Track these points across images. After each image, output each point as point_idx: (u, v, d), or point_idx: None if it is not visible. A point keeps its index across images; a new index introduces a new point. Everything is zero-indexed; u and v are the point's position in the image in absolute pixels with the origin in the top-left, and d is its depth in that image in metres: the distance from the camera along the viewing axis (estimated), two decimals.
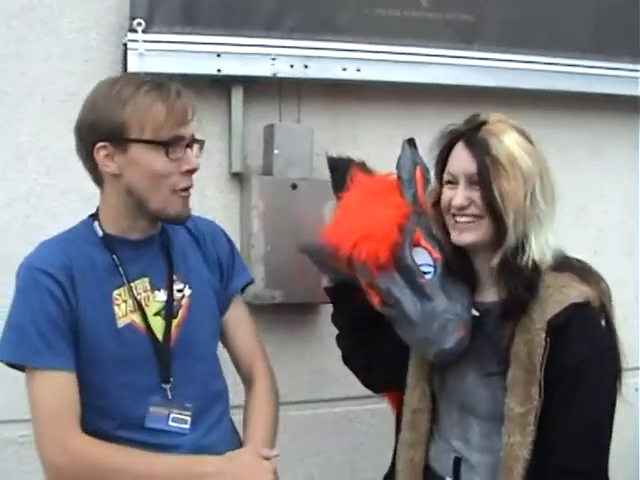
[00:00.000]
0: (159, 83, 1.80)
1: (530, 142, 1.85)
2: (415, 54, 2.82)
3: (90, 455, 1.73)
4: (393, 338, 2.02)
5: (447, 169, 1.88)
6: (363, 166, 2.20)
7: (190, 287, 1.92)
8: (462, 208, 1.83)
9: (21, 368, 1.79)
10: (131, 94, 1.76)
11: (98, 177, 1.84)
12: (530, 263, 1.80)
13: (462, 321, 1.86)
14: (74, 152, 2.49)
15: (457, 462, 1.93)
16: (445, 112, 2.81)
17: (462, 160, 1.84)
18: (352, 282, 2.06)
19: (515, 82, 2.97)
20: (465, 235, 1.85)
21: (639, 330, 3.18)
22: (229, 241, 2.10)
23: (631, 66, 3.12)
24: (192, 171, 1.83)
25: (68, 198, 2.49)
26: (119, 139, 1.76)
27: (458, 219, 1.85)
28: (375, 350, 2.16)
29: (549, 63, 3.01)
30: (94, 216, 1.89)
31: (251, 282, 2.17)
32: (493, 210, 1.78)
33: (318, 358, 2.81)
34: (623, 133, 3.27)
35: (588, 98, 3.12)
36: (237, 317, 2.06)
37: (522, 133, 1.86)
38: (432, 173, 2.03)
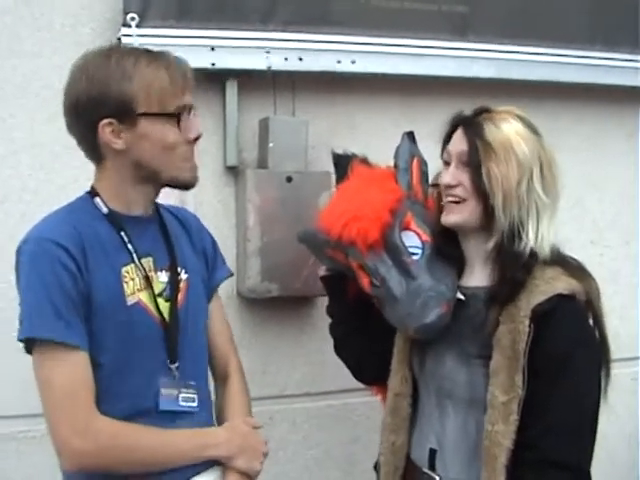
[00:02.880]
0: (154, 52, 1.78)
1: (535, 133, 1.88)
2: (410, 46, 2.82)
3: (112, 435, 1.69)
4: (383, 328, 2.06)
5: (446, 150, 1.94)
6: (364, 160, 2.23)
7: (186, 272, 1.91)
8: (449, 187, 1.88)
9: (29, 349, 1.71)
10: (133, 66, 1.72)
11: (98, 154, 1.79)
12: (527, 250, 1.83)
13: (445, 299, 1.90)
14: (68, 147, 2.48)
15: (432, 453, 1.95)
16: (440, 103, 2.81)
17: (457, 141, 1.90)
18: (347, 272, 2.11)
19: (510, 73, 2.96)
20: (451, 216, 1.90)
21: (637, 321, 3.19)
22: (211, 236, 2.10)
23: (629, 56, 3.12)
24: (198, 138, 1.84)
25: (63, 194, 2.45)
26: (127, 115, 1.72)
27: (447, 199, 1.90)
28: (366, 341, 2.20)
29: (545, 54, 3.01)
30: (91, 193, 1.83)
31: (231, 275, 2.16)
32: (480, 192, 1.83)
33: (315, 351, 2.82)
34: (620, 123, 3.28)
35: (585, 88, 3.13)
36: (216, 311, 2.06)
37: (527, 124, 1.89)
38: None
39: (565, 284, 1.81)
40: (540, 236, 1.84)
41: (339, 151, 2.31)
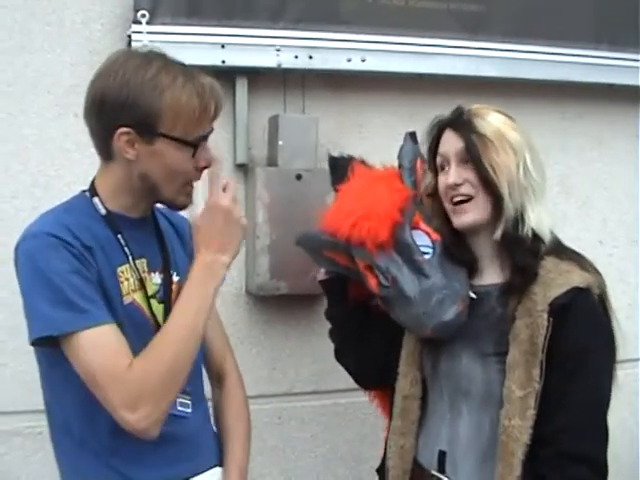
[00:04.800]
0: (193, 73, 1.73)
1: (513, 121, 1.93)
2: (420, 44, 2.82)
3: (140, 380, 1.64)
4: (384, 333, 2.08)
5: (438, 153, 1.95)
6: (363, 162, 2.22)
7: (178, 274, 1.89)
8: (457, 185, 1.89)
9: (49, 344, 1.66)
10: (168, 83, 1.68)
11: (107, 152, 1.76)
12: (530, 233, 1.86)
13: (460, 296, 1.89)
14: (79, 144, 2.53)
15: (442, 456, 1.94)
16: (449, 102, 2.77)
17: (450, 141, 1.92)
18: (346, 275, 2.10)
19: (519, 72, 2.97)
20: (464, 217, 1.90)
21: None
22: None
23: (633, 56, 3.12)
24: (207, 167, 1.81)
25: (73, 190, 2.43)
26: (148, 129, 1.70)
27: (455, 199, 1.90)
28: (366, 345, 2.18)
29: (552, 53, 3.01)
30: (91, 192, 1.81)
31: None
32: (487, 184, 1.85)
33: (323, 349, 2.80)
34: (625, 123, 3.27)
35: (590, 88, 3.13)
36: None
37: (504, 114, 1.94)
38: None
39: (580, 277, 1.82)
40: (538, 217, 1.88)
41: (335, 153, 2.31)
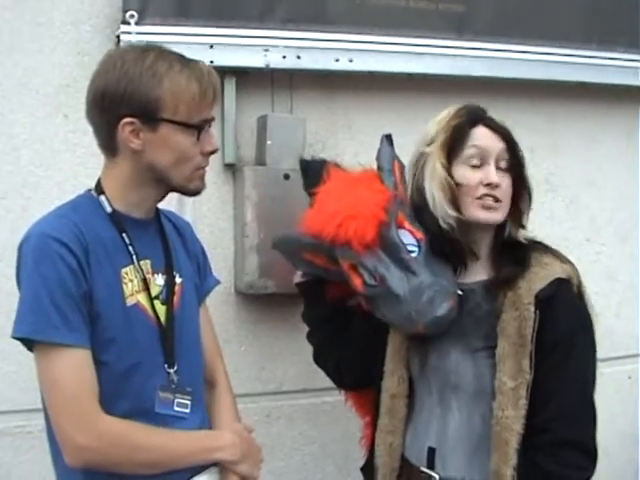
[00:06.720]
0: (190, 60, 1.78)
1: None
2: (408, 44, 2.82)
3: (115, 433, 1.69)
4: (363, 333, 2.11)
5: (472, 145, 1.93)
6: (337, 165, 2.24)
7: (180, 276, 1.92)
8: (495, 187, 1.90)
9: (29, 346, 1.71)
10: (166, 70, 1.72)
11: (112, 148, 1.78)
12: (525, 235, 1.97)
13: (449, 292, 1.91)
14: (68, 144, 2.54)
15: (431, 452, 1.96)
16: (437, 102, 2.79)
17: (491, 138, 1.93)
18: (324, 276, 2.13)
19: (508, 72, 2.97)
20: (496, 214, 1.92)
21: (635, 319, 3.19)
22: (201, 244, 2.12)
23: (626, 55, 3.13)
24: (213, 152, 1.85)
25: (63, 190, 2.48)
26: (150, 117, 1.72)
27: (485, 198, 1.90)
28: (345, 346, 2.20)
29: (542, 53, 3.01)
30: (97, 190, 1.83)
31: (219, 283, 2.17)
32: (516, 194, 1.94)
33: (311, 348, 2.82)
34: (618, 122, 3.29)
35: (581, 87, 3.14)
36: (204, 318, 2.05)
37: None
38: (407, 171, 2.09)
39: (561, 269, 1.88)
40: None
41: (307, 157, 2.34)
